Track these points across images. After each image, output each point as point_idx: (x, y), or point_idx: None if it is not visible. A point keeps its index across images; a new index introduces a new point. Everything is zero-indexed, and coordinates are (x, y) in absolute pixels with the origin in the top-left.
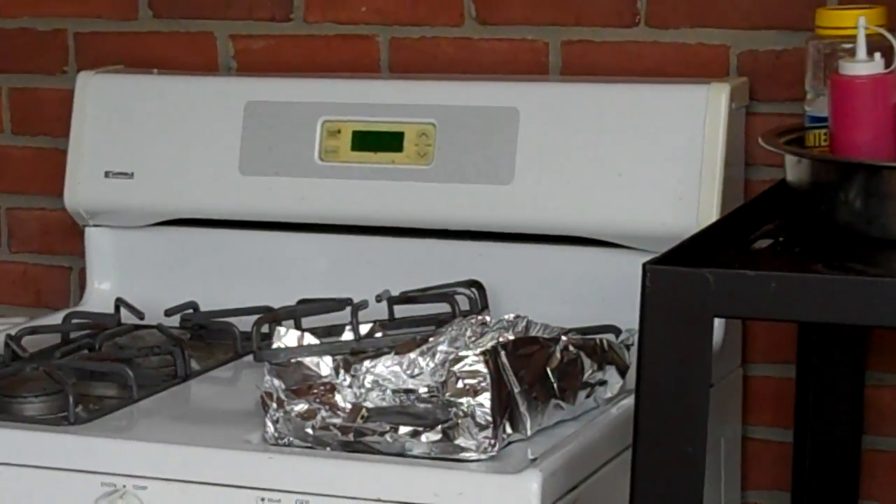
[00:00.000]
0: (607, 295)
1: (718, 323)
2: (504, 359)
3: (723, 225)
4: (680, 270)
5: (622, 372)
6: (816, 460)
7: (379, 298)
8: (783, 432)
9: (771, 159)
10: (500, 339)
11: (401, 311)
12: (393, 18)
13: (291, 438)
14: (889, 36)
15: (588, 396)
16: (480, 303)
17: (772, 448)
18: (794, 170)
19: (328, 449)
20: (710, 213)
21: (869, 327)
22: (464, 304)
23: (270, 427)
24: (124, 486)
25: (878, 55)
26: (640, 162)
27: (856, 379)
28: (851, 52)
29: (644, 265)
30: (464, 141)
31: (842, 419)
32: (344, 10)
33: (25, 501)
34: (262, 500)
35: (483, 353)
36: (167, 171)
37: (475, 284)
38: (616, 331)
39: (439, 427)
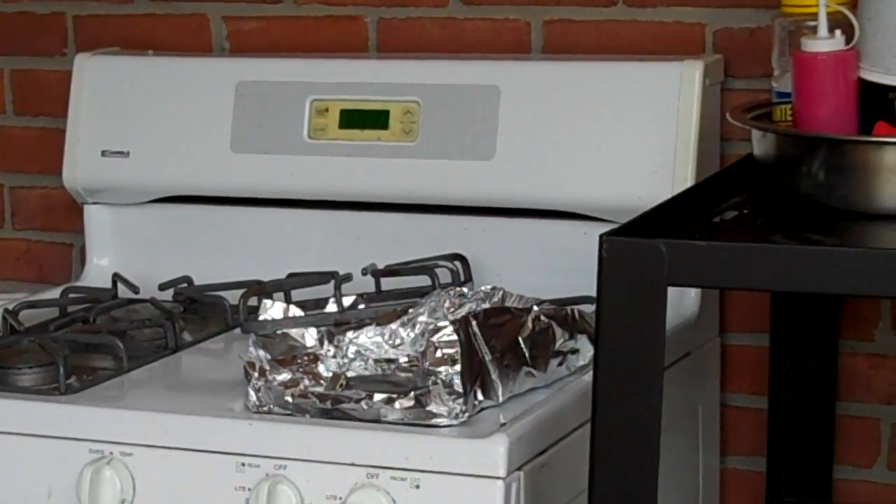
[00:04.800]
0: (586, 266)
1: (695, 293)
2: (475, 328)
3: (685, 197)
4: (634, 241)
5: (594, 341)
6: (792, 427)
7: (364, 272)
8: (761, 400)
9: (745, 134)
10: (473, 309)
11: (387, 283)
12: (380, 0)
13: (272, 406)
14: (849, 14)
15: (560, 364)
16: (464, 275)
17: (750, 415)
18: (759, 144)
19: (307, 416)
20: (684, 186)
21: (835, 296)
22: (445, 276)
23: (252, 395)
24: (111, 453)
25: (838, 32)
26: (617, 137)
27: (829, 347)
28: (815, 30)
29: (601, 236)
30: (447, 118)
31: (816, 386)
32: None
33: (18, 468)
34: (243, 465)
35: (453, 322)
36: (161, 149)
37: (458, 258)
38: (593, 301)
39: (412, 394)
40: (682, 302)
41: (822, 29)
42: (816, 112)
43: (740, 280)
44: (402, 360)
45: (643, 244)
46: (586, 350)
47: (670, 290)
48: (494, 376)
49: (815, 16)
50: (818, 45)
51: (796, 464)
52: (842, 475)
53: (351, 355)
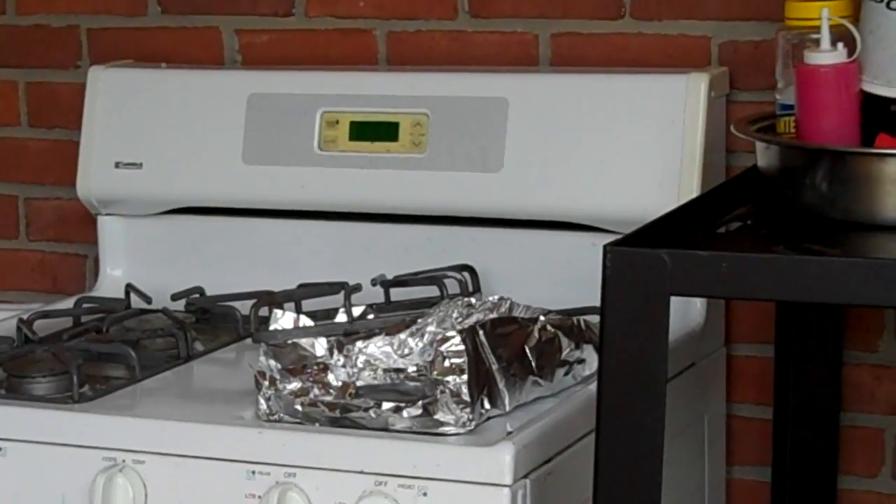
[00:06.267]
0: (593, 277)
1: (700, 303)
2: (482, 337)
3: (689, 208)
4: (637, 251)
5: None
6: (797, 437)
7: (374, 282)
8: (767, 410)
9: (751, 146)
10: (480, 319)
11: (396, 294)
12: (390, 13)
13: (282, 415)
14: (851, 27)
15: (567, 374)
16: (472, 286)
17: (756, 425)
18: (763, 156)
19: (317, 424)
20: (690, 197)
21: (839, 307)
22: (453, 287)
23: (263, 404)
24: (124, 461)
25: (840, 45)
26: (624, 149)
27: (834, 358)
28: (818, 43)
29: (605, 246)
30: (456, 130)
31: (821, 397)
32: (343, 5)
33: (32, 476)
34: (253, 472)
35: (461, 331)
36: (174, 161)
37: (467, 268)
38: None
39: (420, 403)
40: (688, 312)
41: (825, 42)
42: (819, 124)
43: (742, 290)
44: (411, 369)
45: (646, 254)
46: (592, 360)
47: (676, 300)
48: (501, 385)
49: (817, 29)
50: (820, 58)
51: (801, 474)
52: (847, 485)
53: (360, 365)
